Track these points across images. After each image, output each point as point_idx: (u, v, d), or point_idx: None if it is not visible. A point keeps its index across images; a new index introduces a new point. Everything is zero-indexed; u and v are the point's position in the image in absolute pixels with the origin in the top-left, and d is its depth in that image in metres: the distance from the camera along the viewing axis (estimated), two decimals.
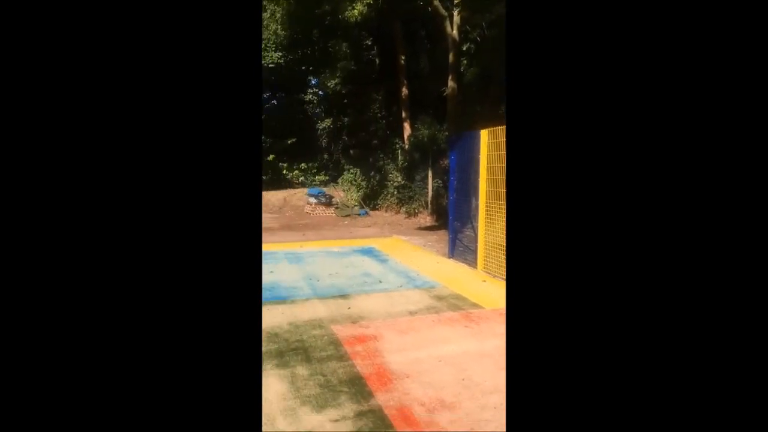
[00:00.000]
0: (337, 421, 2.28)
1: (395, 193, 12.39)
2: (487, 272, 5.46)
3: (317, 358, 3.04)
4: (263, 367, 2.91)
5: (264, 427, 2.21)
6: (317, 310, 4.09)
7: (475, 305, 4.26)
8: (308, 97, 17.08)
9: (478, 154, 5.50)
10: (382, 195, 12.83)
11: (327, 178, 15.91)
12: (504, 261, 4.98)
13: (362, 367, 2.90)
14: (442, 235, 8.04)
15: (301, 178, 16.00)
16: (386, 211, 12.65)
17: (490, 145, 5.31)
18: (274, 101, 17.96)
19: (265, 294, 4.60)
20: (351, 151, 15.82)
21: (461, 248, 6.24)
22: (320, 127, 16.75)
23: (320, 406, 2.42)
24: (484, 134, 5.43)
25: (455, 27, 10.07)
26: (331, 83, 14.58)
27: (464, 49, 11.13)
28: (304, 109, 17.44)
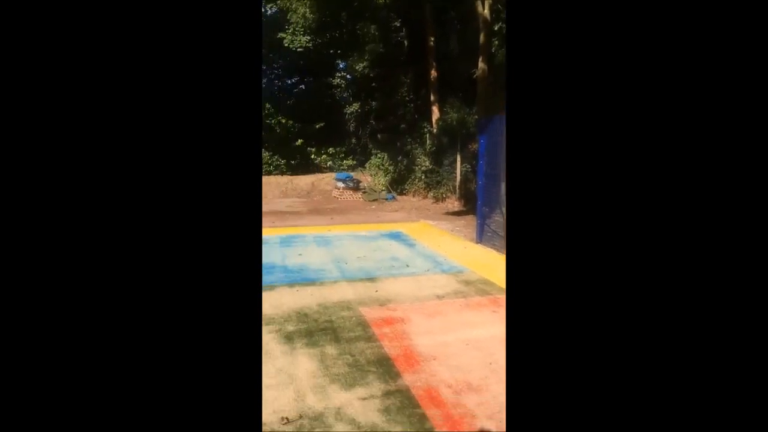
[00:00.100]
0: (365, 399, 2.33)
1: (423, 177, 12.31)
2: None
3: (346, 339, 3.10)
4: (293, 345, 2.99)
5: (295, 403, 2.29)
6: (345, 292, 4.16)
7: (503, 290, 4.22)
8: (336, 81, 17.05)
9: None
10: (410, 179, 12.77)
11: (355, 162, 15.94)
12: None
13: (390, 348, 2.95)
14: (470, 220, 7.96)
15: (329, 163, 16.09)
16: (414, 195, 12.61)
17: None
18: (302, 86, 18.04)
19: (294, 276, 4.70)
20: (378, 136, 15.76)
21: (489, 233, 6.17)
22: (348, 112, 16.73)
23: (349, 384, 2.48)
24: None
25: (487, 6, 9.77)
26: (359, 66, 14.48)
27: (496, 29, 10.78)
28: (332, 94, 17.44)
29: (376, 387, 2.45)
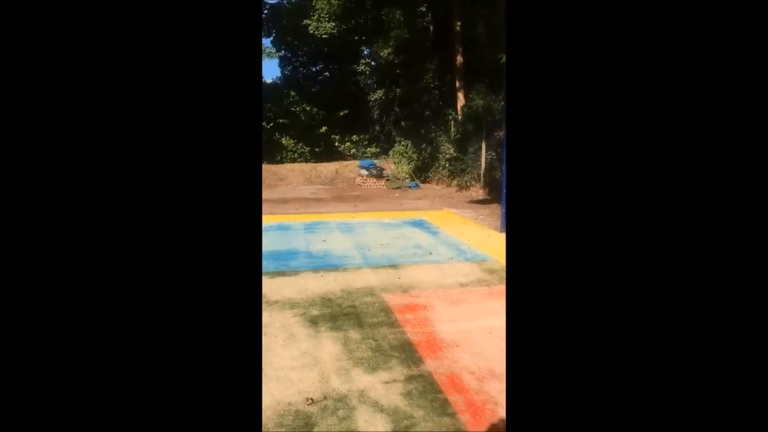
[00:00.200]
0: (388, 383, 2.36)
1: (447, 165, 12.20)
2: None
3: (369, 324, 3.14)
4: (318, 329, 3.05)
5: (319, 384, 2.34)
6: (369, 278, 4.19)
7: None
8: (360, 68, 16.99)
9: None
10: (434, 167, 12.68)
11: (378, 150, 15.93)
12: None
13: (412, 334, 2.97)
14: (494, 209, 7.87)
15: (353, 150, 16.14)
16: (437, 183, 12.53)
17: None
18: (327, 73, 18.06)
19: (317, 261, 4.77)
20: (403, 123, 15.67)
21: None
22: (372, 99, 16.67)
23: (372, 368, 2.52)
24: None
25: None
26: (384, 53, 14.36)
27: None
28: (357, 81, 17.39)
29: (399, 371, 2.48)
